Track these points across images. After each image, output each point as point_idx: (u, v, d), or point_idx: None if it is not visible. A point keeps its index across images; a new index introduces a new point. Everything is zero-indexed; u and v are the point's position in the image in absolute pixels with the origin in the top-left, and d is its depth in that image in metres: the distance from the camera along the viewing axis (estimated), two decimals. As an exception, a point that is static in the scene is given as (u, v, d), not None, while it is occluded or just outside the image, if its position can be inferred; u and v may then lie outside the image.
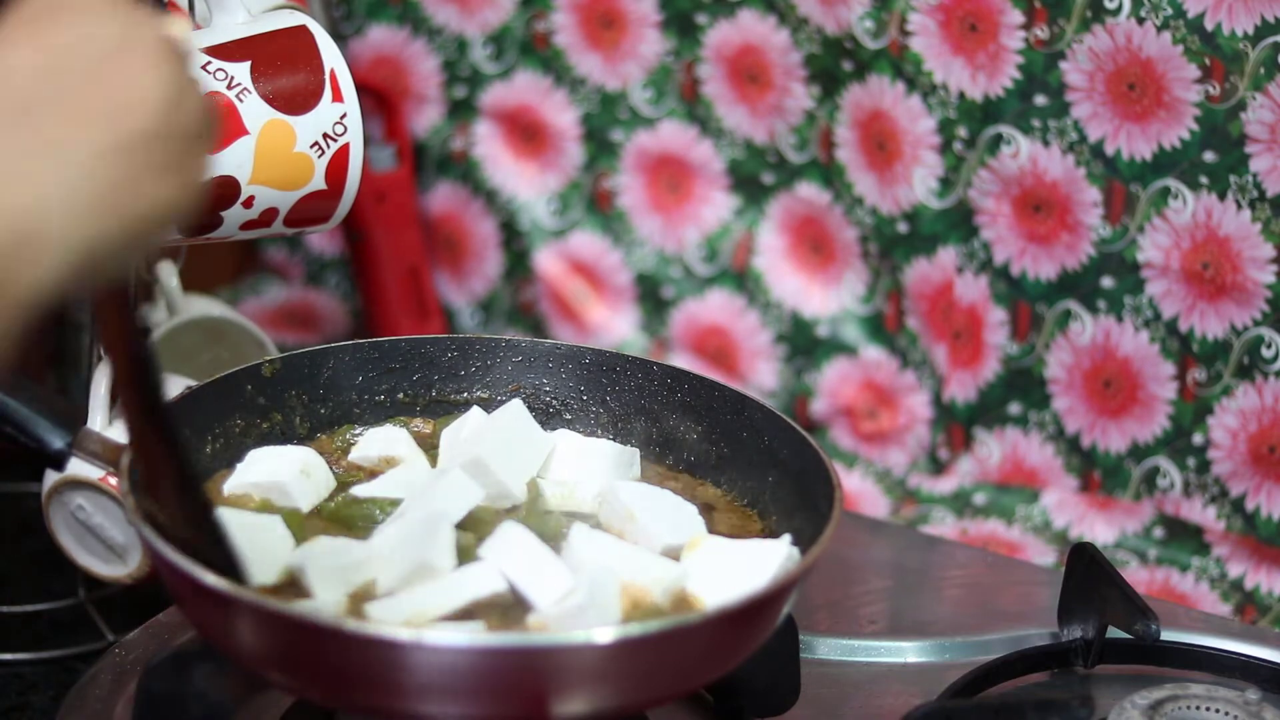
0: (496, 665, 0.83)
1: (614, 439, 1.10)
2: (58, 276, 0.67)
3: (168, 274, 1.26)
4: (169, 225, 0.72)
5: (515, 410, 1.04)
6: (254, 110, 1.04)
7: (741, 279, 1.46)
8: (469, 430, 1.04)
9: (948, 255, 1.35)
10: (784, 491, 1.03)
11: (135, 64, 0.70)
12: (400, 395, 1.10)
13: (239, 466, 1.01)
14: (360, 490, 1.01)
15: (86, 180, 0.68)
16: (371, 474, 1.03)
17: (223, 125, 1.03)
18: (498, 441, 1.02)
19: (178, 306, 1.26)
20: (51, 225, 0.67)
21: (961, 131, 1.30)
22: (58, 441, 0.94)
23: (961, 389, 1.37)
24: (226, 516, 0.90)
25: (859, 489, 1.41)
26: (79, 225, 0.68)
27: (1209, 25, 1.19)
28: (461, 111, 1.51)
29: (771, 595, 0.89)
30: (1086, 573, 1.11)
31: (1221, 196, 1.22)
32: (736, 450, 1.07)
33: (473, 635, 0.85)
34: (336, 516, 0.99)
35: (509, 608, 0.91)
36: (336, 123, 1.07)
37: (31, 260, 0.66)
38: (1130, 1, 1.21)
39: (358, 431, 1.08)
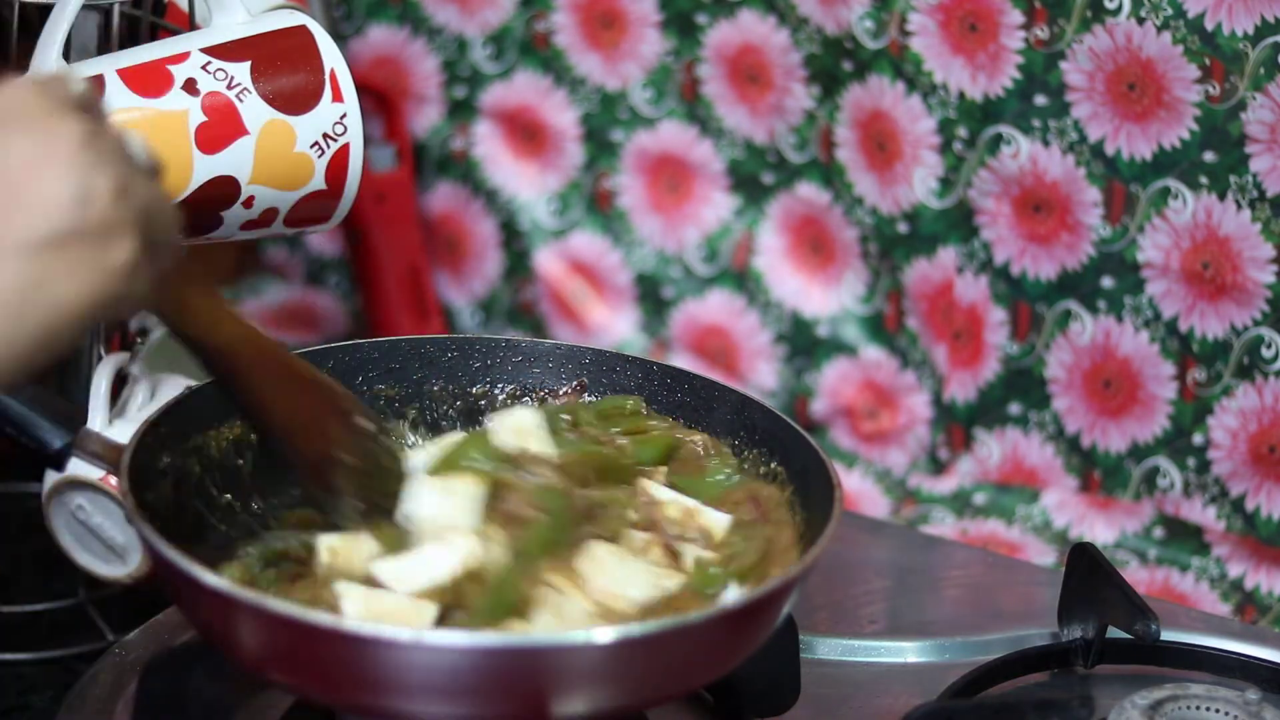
0: (496, 665, 0.83)
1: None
2: None
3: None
4: (88, 320, 0.74)
5: None
6: (254, 110, 1.04)
7: (741, 279, 1.46)
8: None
9: (948, 255, 1.35)
10: (784, 492, 1.03)
11: (46, 169, 0.72)
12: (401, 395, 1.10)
13: None
14: None
15: None
16: None
17: (223, 125, 1.03)
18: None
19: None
20: None
21: (961, 131, 1.30)
22: (58, 441, 0.94)
23: (961, 389, 1.37)
24: None
25: (859, 489, 1.41)
26: None
27: (1209, 25, 1.19)
28: (461, 111, 1.51)
29: (771, 595, 0.89)
30: (1086, 573, 1.11)
31: (1221, 196, 1.22)
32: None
33: (473, 635, 0.85)
34: None
35: None
36: (336, 123, 1.07)
37: None
38: (1130, 1, 1.21)
39: None
